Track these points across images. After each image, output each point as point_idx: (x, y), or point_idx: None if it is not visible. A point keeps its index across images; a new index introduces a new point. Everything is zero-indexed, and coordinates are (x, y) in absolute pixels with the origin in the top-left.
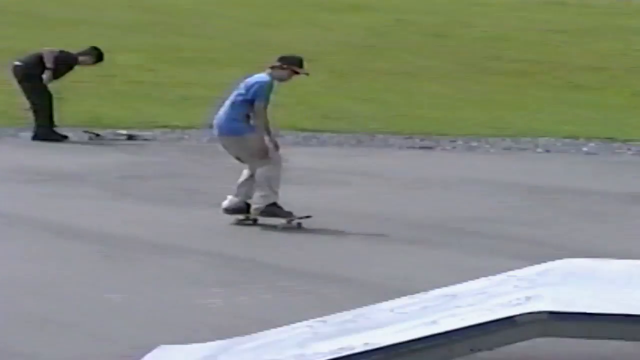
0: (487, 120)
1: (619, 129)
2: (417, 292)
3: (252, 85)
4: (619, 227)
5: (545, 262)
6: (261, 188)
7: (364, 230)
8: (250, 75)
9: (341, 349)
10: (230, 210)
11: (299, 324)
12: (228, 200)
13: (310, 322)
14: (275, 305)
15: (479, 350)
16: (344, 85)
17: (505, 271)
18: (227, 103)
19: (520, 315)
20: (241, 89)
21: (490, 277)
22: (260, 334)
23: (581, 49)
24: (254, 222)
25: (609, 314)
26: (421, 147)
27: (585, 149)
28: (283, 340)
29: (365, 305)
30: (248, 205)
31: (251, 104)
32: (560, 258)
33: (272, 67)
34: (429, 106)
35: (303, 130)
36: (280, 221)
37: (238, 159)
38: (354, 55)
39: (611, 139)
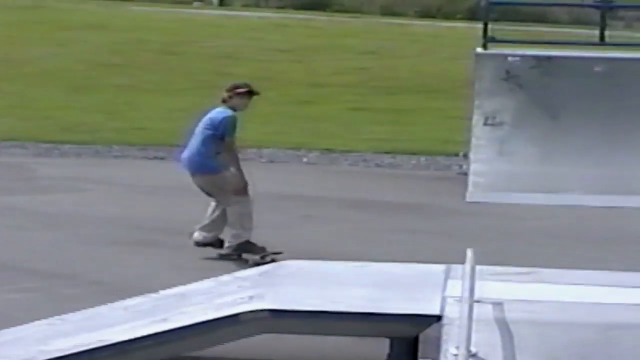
0: None
1: (337, 141)
2: (150, 291)
3: (220, 122)
4: (338, 231)
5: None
6: (233, 226)
7: (103, 234)
8: (209, 111)
9: (77, 345)
10: (201, 244)
11: (40, 321)
12: (201, 236)
13: (51, 320)
14: (19, 304)
15: (206, 346)
16: (82, 99)
17: (231, 272)
18: (195, 140)
19: (243, 313)
20: (207, 125)
21: (217, 278)
22: (4, 331)
23: (304, 67)
24: (239, 256)
25: (328, 311)
26: (154, 158)
27: (305, 159)
28: (25, 337)
29: (102, 304)
30: (220, 241)
31: (221, 140)
32: (282, 260)
33: (227, 100)
34: (162, 119)
35: (45, 142)
36: (253, 257)
37: (209, 194)
38: (90, 70)
39: (330, 150)
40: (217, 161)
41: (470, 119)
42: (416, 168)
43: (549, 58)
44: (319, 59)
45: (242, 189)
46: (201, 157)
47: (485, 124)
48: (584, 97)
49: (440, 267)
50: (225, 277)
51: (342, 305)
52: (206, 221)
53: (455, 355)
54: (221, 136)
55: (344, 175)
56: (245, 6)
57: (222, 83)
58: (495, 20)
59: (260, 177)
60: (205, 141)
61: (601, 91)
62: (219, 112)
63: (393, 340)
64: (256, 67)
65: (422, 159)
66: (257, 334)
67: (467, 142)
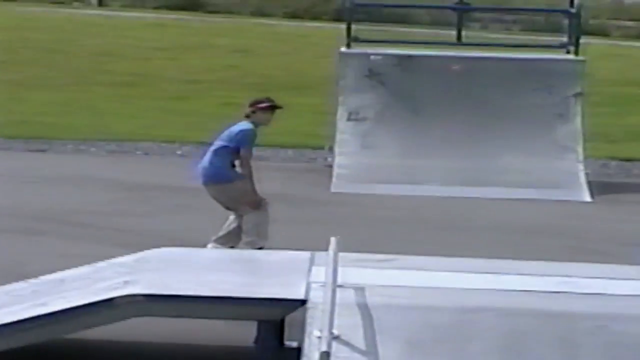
0: (94, 126)
1: (210, 135)
2: (31, 277)
3: (237, 134)
4: (209, 220)
5: (143, 250)
6: (248, 234)
7: None
8: (232, 125)
9: None
10: None
11: None
12: (215, 248)
13: None
14: None
15: (84, 328)
16: None
17: (108, 258)
18: (210, 151)
19: (118, 297)
20: (224, 137)
21: (94, 264)
22: None
23: (179, 64)
24: None
25: (199, 296)
26: (37, 150)
27: (179, 152)
28: None
29: None
30: None
31: (235, 152)
32: (157, 247)
33: (250, 115)
34: (44, 113)
35: None
36: None
37: (228, 208)
38: None
39: (203, 143)
40: (230, 171)
41: (335, 114)
42: (285, 160)
43: (409, 57)
44: (192, 57)
45: (256, 203)
46: (213, 167)
47: (349, 119)
48: (443, 93)
49: (305, 254)
50: (102, 264)
51: (212, 290)
52: (222, 232)
53: (319, 337)
54: (236, 148)
55: None
56: (124, 6)
57: (101, 79)
58: (359, 20)
59: (135, 169)
60: (218, 152)
61: (459, 88)
62: (240, 125)
63: (261, 323)
64: (133, 65)
65: (290, 151)
66: (131, 317)
67: (332, 136)
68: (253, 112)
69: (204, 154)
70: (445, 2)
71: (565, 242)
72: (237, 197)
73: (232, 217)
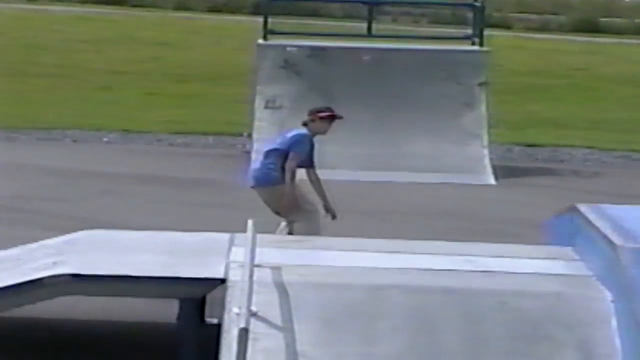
0: (24, 115)
1: (134, 123)
2: None
3: (290, 138)
4: (134, 204)
5: (71, 233)
6: None
7: None
8: (290, 130)
9: None
10: None
11: None
12: None
13: None
14: None
15: (15, 306)
16: None
17: (38, 241)
18: (262, 154)
19: (47, 277)
20: (277, 141)
21: (25, 246)
22: None
23: (104, 56)
24: None
25: (124, 275)
26: None
27: (105, 139)
28: None
29: None
30: None
31: (285, 156)
32: (84, 229)
33: (309, 123)
34: None
35: None
36: None
37: (277, 213)
38: None
39: (127, 131)
40: (278, 174)
41: (253, 103)
42: (206, 147)
43: (323, 48)
44: (117, 49)
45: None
46: (263, 168)
47: (266, 107)
48: (355, 82)
49: (225, 236)
50: (32, 245)
51: (136, 270)
52: None
53: (238, 314)
54: (286, 152)
55: (140, 154)
56: (52, 0)
57: (30, 71)
58: (275, 14)
59: (64, 156)
60: (269, 154)
61: (370, 78)
62: (297, 130)
63: (182, 301)
64: (60, 57)
65: (211, 138)
66: (60, 296)
67: (250, 124)
68: (312, 120)
69: (258, 157)
70: None
71: (470, 224)
72: (279, 199)
73: (283, 224)
